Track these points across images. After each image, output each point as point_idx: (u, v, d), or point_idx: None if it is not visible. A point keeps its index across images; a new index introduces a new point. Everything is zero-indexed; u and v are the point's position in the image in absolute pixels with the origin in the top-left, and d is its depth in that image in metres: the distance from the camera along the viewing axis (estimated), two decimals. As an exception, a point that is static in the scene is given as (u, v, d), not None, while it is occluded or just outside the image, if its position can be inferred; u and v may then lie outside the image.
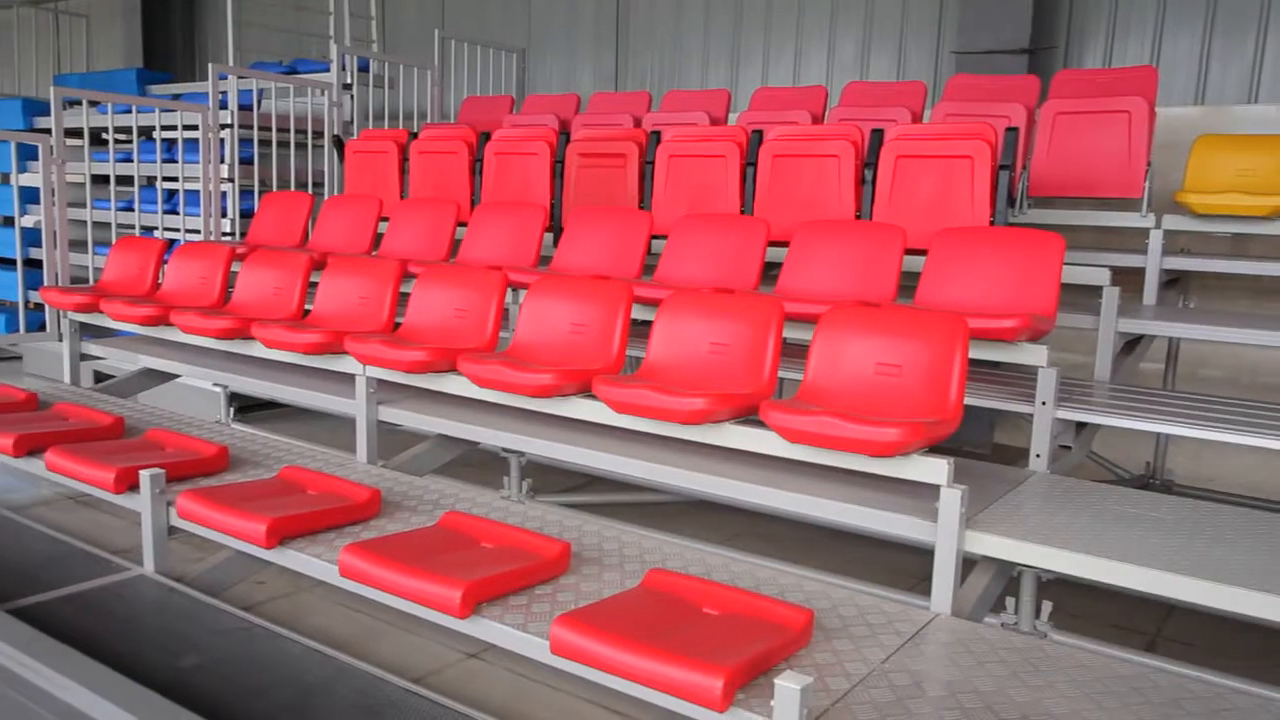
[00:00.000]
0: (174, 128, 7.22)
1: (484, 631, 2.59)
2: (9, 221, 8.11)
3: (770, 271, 4.62)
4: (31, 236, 7.31)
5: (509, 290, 4.49)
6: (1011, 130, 4.45)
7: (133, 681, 2.53)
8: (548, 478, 5.05)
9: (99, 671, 2.58)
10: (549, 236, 5.48)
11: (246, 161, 7.33)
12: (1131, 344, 4.50)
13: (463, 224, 5.70)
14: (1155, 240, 4.78)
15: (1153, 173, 4.98)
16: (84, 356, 5.56)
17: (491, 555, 2.88)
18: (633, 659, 2.21)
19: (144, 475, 3.41)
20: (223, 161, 7.06)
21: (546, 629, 2.45)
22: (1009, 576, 3.08)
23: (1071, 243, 4.37)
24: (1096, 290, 4.23)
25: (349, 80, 7.89)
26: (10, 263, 7.00)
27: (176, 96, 9.33)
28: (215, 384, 5.75)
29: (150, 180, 7.79)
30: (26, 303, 6.62)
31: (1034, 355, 3.53)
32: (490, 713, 2.66)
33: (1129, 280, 4.51)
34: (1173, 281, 5.21)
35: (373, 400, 4.11)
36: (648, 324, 3.79)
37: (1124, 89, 5.44)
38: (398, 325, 4.43)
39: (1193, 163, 5.09)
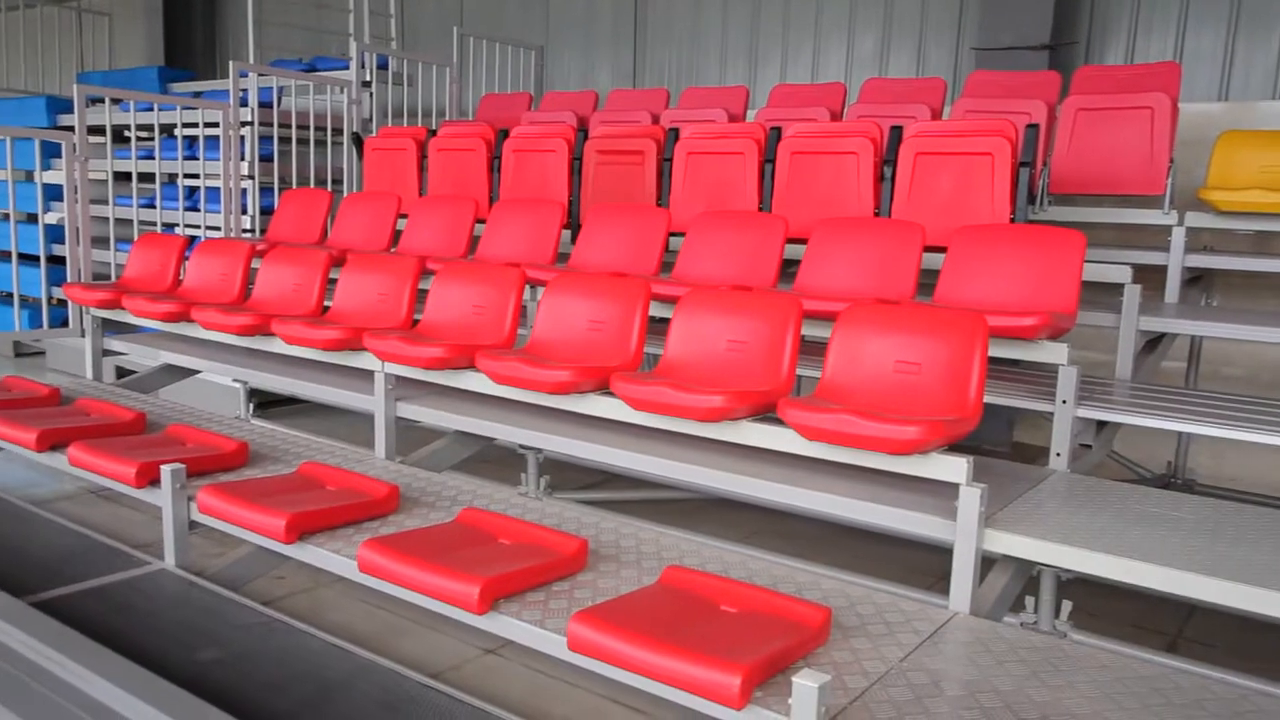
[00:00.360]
0: (195, 125, 7.27)
1: (502, 628, 2.59)
2: (33, 218, 8.18)
3: (788, 269, 4.61)
4: (55, 233, 7.38)
5: (527, 287, 4.50)
6: (1032, 127, 4.42)
7: (154, 675, 2.55)
8: (565, 474, 5.05)
9: (121, 665, 2.60)
10: (567, 234, 5.48)
11: (266, 159, 7.38)
12: (1153, 342, 4.47)
13: (481, 221, 5.71)
14: (1177, 238, 4.74)
15: (1175, 169, 4.94)
16: (106, 352, 5.60)
17: (509, 552, 2.88)
18: (650, 656, 2.21)
19: (165, 470, 3.44)
20: (243, 159, 7.11)
21: (564, 625, 2.45)
22: (1028, 576, 3.06)
23: (1092, 240, 4.34)
24: (1118, 288, 4.19)
25: (368, 78, 7.93)
26: (34, 259, 7.06)
27: (198, 94, 9.39)
28: (235, 380, 5.78)
29: (172, 177, 7.85)
30: (49, 299, 6.69)
31: (1054, 353, 3.51)
32: (508, 709, 2.67)
33: (1151, 278, 4.47)
34: (1195, 279, 5.16)
35: (391, 396, 4.13)
36: (665, 321, 3.79)
37: (1146, 85, 5.39)
38: (416, 322, 4.44)
39: (1216, 159, 5.03)
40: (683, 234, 4.83)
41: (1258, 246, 5.31)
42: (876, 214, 4.69)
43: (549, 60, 9.67)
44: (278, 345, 4.55)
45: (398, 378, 4.14)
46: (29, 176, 8.93)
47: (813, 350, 4.02)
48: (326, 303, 4.84)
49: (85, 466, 3.71)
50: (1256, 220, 4.74)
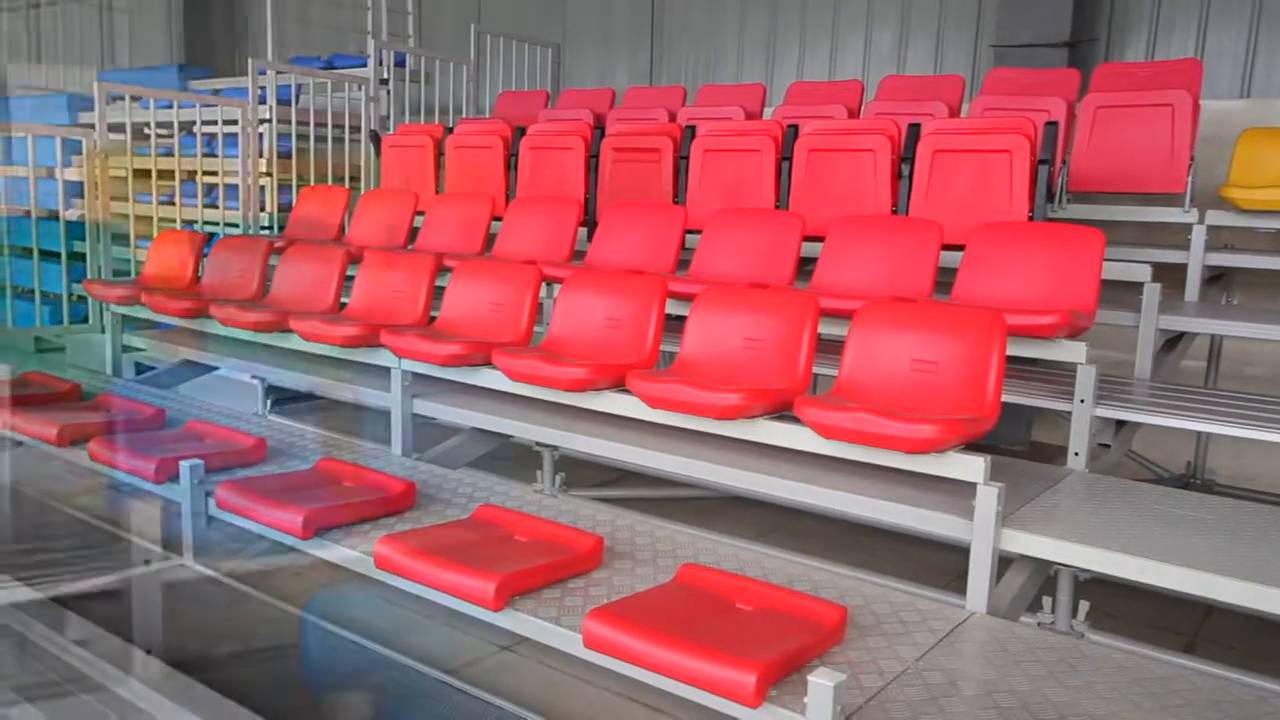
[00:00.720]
0: (214, 122, 7.31)
1: (517, 624, 2.60)
2: (54, 215, 8.25)
3: (805, 267, 4.59)
4: (75, 230, 7.42)
5: (543, 284, 4.51)
6: (1051, 124, 4.39)
7: (172, 669, 2.57)
8: (581, 472, 5.05)
9: (140, 659, 2.62)
10: (583, 231, 5.48)
11: (285, 156, 7.40)
12: (1173, 341, 4.43)
13: (498, 218, 5.72)
14: (1198, 236, 4.70)
15: (1196, 167, 4.89)
16: (125, 348, 5.64)
17: (525, 549, 2.89)
18: (665, 654, 2.21)
19: (184, 466, 3.46)
20: (261, 156, 7.14)
21: (579, 623, 2.46)
22: (1045, 575, 3.05)
23: (1112, 238, 4.30)
24: (1137, 287, 4.16)
25: (386, 75, 7.95)
26: (55, 255, 7.11)
27: (217, 92, 9.43)
28: (253, 376, 5.81)
29: (191, 174, 7.88)
30: (70, 295, 6.74)
31: (1073, 352, 3.49)
32: (523, 705, 2.68)
33: (1170, 277, 4.43)
34: (1216, 278, 5.12)
35: (408, 393, 4.14)
36: (682, 319, 3.79)
37: (1167, 82, 5.35)
38: (433, 319, 4.46)
39: (1237, 157, 4.98)
40: (699, 231, 4.83)
41: (1279, 245, 5.26)
42: (894, 212, 4.67)
43: (566, 58, 9.67)
44: (295, 342, 4.57)
45: (415, 375, 4.15)
46: (50, 173, 9.01)
47: (829, 348, 4.01)
48: (344, 299, 4.86)
49: (105, 462, 3.74)
50: (1278, 219, 4.69)
